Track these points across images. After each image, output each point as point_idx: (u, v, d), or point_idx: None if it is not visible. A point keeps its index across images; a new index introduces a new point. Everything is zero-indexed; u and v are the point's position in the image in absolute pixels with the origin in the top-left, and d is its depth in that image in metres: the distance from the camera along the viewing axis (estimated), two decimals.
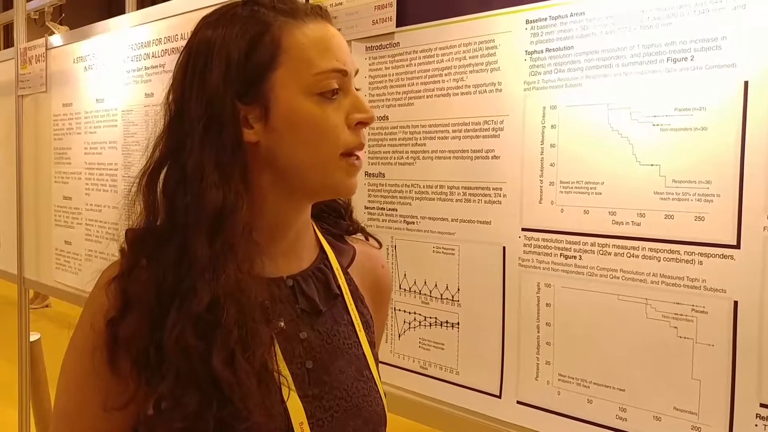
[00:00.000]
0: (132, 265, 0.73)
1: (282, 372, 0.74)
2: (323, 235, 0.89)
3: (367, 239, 0.97)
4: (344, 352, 0.82)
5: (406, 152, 1.33)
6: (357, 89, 0.79)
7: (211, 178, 0.72)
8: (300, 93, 0.74)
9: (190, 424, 0.67)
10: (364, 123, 0.77)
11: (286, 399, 0.73)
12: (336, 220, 0.93)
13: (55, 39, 2.48)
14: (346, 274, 0.88)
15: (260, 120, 0.74)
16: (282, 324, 0.77)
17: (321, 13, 0.78)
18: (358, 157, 0.77)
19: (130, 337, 0.70)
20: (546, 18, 1.11)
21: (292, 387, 0.75)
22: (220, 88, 0.73)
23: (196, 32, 0.78)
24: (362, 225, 0.96)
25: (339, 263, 0.88)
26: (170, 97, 0.78)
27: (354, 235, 0.95)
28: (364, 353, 0.85)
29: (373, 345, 0.88)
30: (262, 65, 0.74)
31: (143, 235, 0.75)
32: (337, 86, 0.75)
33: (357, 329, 0.85)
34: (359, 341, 0.85)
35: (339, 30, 0.80)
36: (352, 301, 0.86)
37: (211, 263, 0.70)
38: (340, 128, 0.75)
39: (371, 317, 0.90)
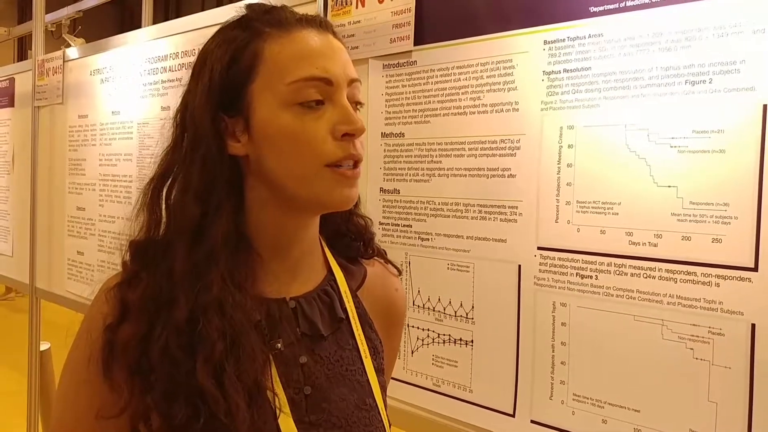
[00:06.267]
0: (132, 273, 0.74)
1: (276, 392, 0.72)
2: (333, 256, 0.87)
3: (392, 264, 0.94)
4: (346, 379, 0.79)
5: (422, 169, 1.33)
6: (358, 102, 0.76)
7: (193, 191, 0.73)
8: (276, 104, 0.72)
9: None
10: (350, 135, 0.73)
11: (277, 419, 0.71)
12: (351, 242, 0.90)
13: (72, 51, 2.51)
14: (354, 296, 0.85)
15: (244, 132, 0.74)
16: (279, 345, 0.75)
17: (313, 22, 0.76)
18: (351, 167, 0.74)
19: (125, 344, 0.70)
20: (564, 39, 1.12)
21: (286, 410, 0.72)
22: (203, 101, 0.74)
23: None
24: (383, 250, 0.94)
25: (348, 285, 0.85)
26: (179, 111, 0.79)
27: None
28: (368, 381, 0.81)
29: (380, 372, 0.84)
30: (241, 77, 0.74)
31: (145, 245, 0.76)
32: (318, 96, 0.72)
33: (362, 355, 0.82)
34: (364, 368, 0.81)
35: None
36: (359, 326, 0.83)
37: (191, 274, 0.70)
38: (322, 139, 0.72)
39: (380, 342, 0.86)
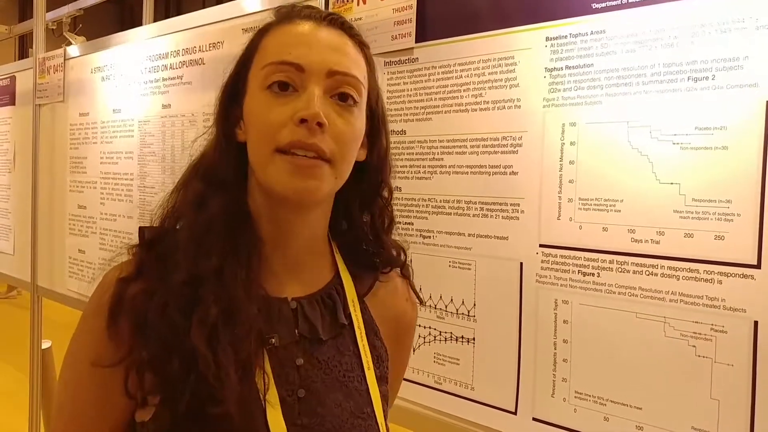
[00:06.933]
0: (153, 239, 0.77)
1: (267, 384, 0.72)
2: (344, 260, 0.85)
3: (415, 293, 0.92)
4: (344, 385, 0.78)
5: (424, 167, 1.33)
6: (343, 94, 0.73)
7: (202, 172, 0.78)
8: (254, 89, 0.74)
9: (167, 391, 0.68)
10: (303, 120, 0.69)
11: (265, 411, 0.71)
12: (369, 255, 0.87)
13: (73, 49, 2.50)
14: (361, 302, 0.84)
15: (241, 119, 0.77)
16: (274, 341, 0.74)
17: (318, 16, 0.76)
18: (308, 155, 0.70)
19: (133, 297, 0.71)
20: (566, 35, 1.12)
21: (274, 401, 0.71)
22: (220, 93, 0.80)
23: None
24: (409, 273, 0.91)
25: (356, 291, 0.84)
26: None
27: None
28: (367, 389, 0.79)
29: (383, 381, 0.83)
30: (244, 67, 0.77)
31: (166, 216, 0.80)
32: (282, 79, 0.72)
33: (364, 364, 0.80)
34: (364, 376, 0.80)
35: None
36: (363, 332, 0.82)
37: (193, 242, 0.73)
38: (281, 124, 0.70)
39: (385, 351, 0.85)
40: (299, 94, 0.71)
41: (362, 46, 0.79)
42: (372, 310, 0.85)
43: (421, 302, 0.94)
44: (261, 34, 0.78)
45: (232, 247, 0.73)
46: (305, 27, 0.75)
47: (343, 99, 0.74)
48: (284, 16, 0.77)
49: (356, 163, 0.79)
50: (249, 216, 0.77)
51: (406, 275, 0.92)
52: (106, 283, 0.74)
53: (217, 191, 0.76)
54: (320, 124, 0.70)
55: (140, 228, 0.79)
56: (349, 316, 0.81)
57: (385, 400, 0.83)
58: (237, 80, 0.78)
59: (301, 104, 0.70)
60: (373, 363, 0.82)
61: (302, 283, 0.80)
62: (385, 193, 0.87)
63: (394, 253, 0.88)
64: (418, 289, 0.93)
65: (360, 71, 0.76)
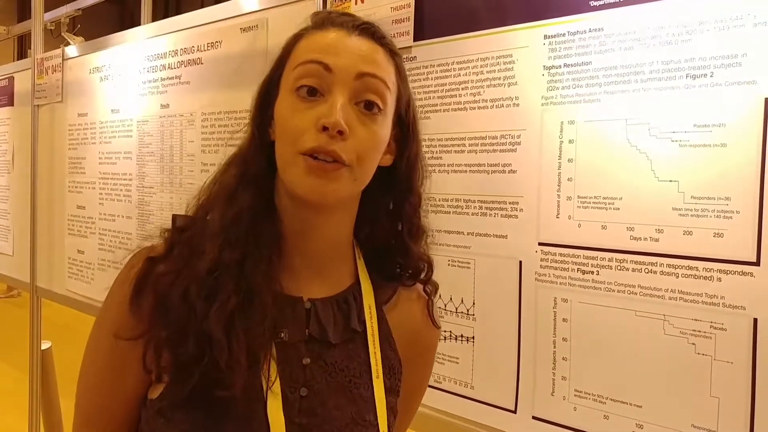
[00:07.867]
0: (187, 224, 0.80)
1: (271, 375, 0.73)
2: (368, 268, 0.85)
3: (431, 314, 0.90)
4: (348, 390, 0.78)
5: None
6: (370, 101, 0.74)
7: (236, 167, 0.80)
8: (286, 91, 0.76)
9: (178, 371, 0.71)
10: (325, 127, 0.70)
11: (266, 397, 0.72)
12: (395, 266, 0.87)
13: (72, 49, 2.50)
14: (379, 311, 0.84)
15: (273, 120, 0.78)
16: (284, 335, 0.76)
17: (351, 24, 0.77)
18: (327, 159, 0.71)
19: (159, 276, 0.75)
20: (564, 33, 1.12)
21: (276, 390, 0.73)
22: (256, 93, 0.82)
23: None
24: (430, 290, 0.91)
25: (375, 299, 0.84)
26: None
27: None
28: (373, 397, 0.79)
29: (392, 392, 0.82)
30: (277, 69, 0.79)
31: (201, 205, 0.82)
32: (311, 83, 0.73)
33: (373, 372, 0.80)
34: (371, 384, 0.80)
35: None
36: (377, 341, 0.82)
37: (221, 232, 0.75)
38: (305, 128, 0.71)
39: (399, 363, 0.84)
40: (325, 99, 0.73)
41: (393, 54, 0.80)
42: (390, 320, 0.85)
43: (437, 326, 0.92)
44: (296, 38, 0.79)
45: (256, 240, 0.75)
46: (337, 35, 0.76)
47: (368, 107, 0.74)
48: (319, 23, 0.78)
49: (385, 168, 0.81)
50: (275, 212, 0.79)
51: (427, 293, 0.91)
52: (136, 259, 0.78)
53: (248, 186, 0.78)
54: (341, 132, 0.71)
55: (173, 216, 0.82)
56: (363, 323, 0.81)
57: (393, 412, 0.82)
58: (271, 82, 0.80)
59: (324, 110, 0.72)
60: (384, 373, 0.82)
61: (320, 284, 0.81)
62: (414, 200, 0.86)
63: (421, 265, 0.88)
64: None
65: (388, 76, 0.77)
